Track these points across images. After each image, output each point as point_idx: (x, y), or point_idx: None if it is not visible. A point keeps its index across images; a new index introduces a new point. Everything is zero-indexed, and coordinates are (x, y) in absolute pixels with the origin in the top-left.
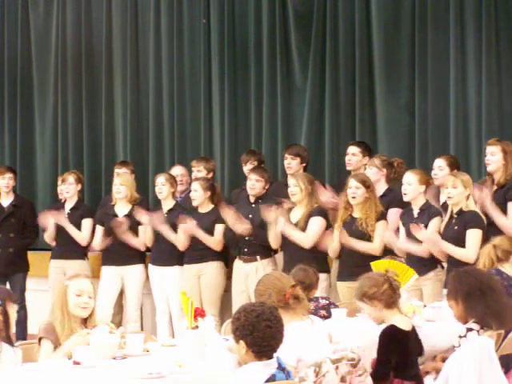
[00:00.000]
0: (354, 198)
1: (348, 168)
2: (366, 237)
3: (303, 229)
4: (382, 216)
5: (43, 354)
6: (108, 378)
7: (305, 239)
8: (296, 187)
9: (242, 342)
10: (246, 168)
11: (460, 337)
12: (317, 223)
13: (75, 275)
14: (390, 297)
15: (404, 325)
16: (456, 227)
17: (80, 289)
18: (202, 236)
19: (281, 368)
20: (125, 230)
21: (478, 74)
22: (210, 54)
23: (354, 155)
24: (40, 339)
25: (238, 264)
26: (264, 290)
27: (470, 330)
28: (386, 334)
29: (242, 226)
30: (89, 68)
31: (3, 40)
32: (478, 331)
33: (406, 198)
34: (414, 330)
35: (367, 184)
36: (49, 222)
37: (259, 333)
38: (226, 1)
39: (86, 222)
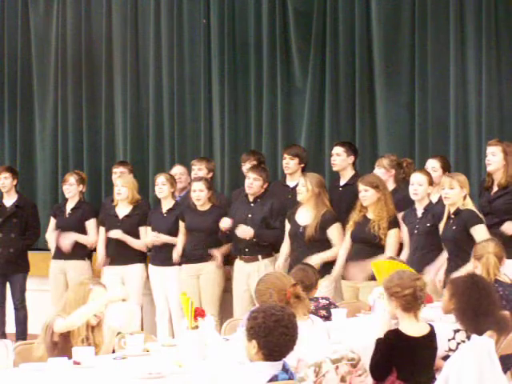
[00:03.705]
0: (364, 200)
1: (334, 168)
2: (377, 239)
3: (314, 235)
4: (395, 223)
5: (69, 316)
6: (108, 378)
7: (336, 253)
8: (303, 187)
9: (254, 341)
10: (245, 167)
11: (449, 340)
12: (338, 231)
13: (98, 282)
14: (407, 302)
15: (414, 331)
16: (454, 227)
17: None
18: (223, 252)
19: (285, 369)
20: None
21: (477, 74)
22: (209, 54)
23: (338, 155)
24: (46, 327)
25: (239, 264)
26: (265, 289)
27: (457, 331)
28: (384, 338)
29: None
30: (89, 68)
31: (3, 40)
32: (465, 330)
33: (416, 198)
34: (428, 336)
35: (375, 185)
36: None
37: (273, 338)
38: (226, 1)
39: (90, 223)
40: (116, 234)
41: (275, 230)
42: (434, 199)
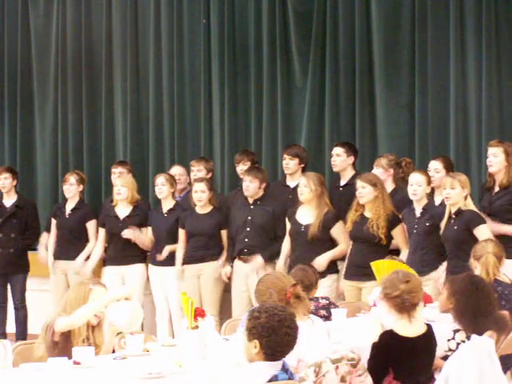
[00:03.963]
0: (361, 197)
1: (334, 169)
2: (377, 239)
3: (316, 234)
4: (396, 220)
5: (69, 316)
6: (108, 378)
7: (345, 250)
8: (306, 187)
9: (256, 341)
10: (239, 168)
11: (448, 340)
12: (341, 229)
13: (97, 282)
14: (396, 304)
15: (408, 331)
16: (455, 227)
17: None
18: (225, 259)
19: (284, 369)
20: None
21: (477, 74)
22: (210, 54)
23: (338, 156)
24: (47, 327)
25: (238, 264)
26: (265, 289)
27: (456, 331)
28: (378, 339)
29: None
30: (89, 68)
31: (3, 40)
32: (464, 330)
33: (415, 198)
34: (425, 336)
35: (373, 182)
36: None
37: (277, 337)
38: (226, 1)
39: (91, 225)
40: (130, 233)
41: (280, 239)
42: (438, 201)
